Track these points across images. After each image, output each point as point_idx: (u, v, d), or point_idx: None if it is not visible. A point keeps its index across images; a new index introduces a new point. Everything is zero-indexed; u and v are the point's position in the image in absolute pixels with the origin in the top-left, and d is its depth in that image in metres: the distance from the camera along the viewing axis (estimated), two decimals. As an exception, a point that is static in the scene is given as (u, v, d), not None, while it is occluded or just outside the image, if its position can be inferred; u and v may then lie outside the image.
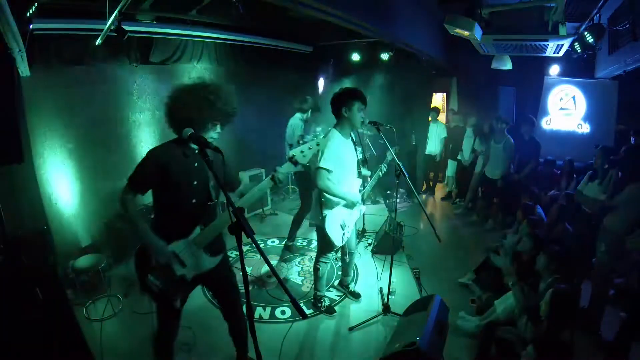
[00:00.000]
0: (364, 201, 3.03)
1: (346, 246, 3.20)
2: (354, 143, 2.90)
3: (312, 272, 3.36)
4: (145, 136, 4.32)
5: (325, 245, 2.98)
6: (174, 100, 1.84)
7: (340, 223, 2.89)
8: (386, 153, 3.00)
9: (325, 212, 2.81)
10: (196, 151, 1.87)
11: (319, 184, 2.68)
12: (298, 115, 4.45)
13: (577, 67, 5.66)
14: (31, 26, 2.76)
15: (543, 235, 3.23)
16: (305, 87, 6.44)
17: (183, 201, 1.89)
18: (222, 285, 2.20)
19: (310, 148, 1.92)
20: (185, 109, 1.81)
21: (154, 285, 1.88)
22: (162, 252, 1.84)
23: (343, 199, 2.78)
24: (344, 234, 2.93)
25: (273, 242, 4.63)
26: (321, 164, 2.63)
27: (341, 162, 2.72)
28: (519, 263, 3.11)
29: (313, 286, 3.34)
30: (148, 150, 1.88)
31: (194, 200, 1.91)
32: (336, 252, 3.20)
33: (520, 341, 2.41)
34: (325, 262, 3.11)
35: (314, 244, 4.47)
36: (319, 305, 3.27)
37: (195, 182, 1.90)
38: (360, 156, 2.98)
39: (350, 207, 2.89)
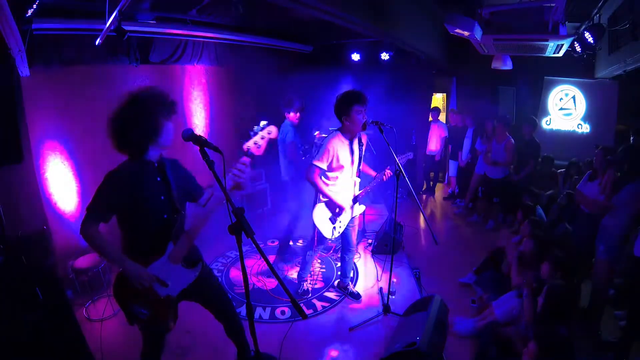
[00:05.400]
0: (359, 201, 3.09)
1: (344, 243, 3.26)
2: (360, 144, 2.95)
3: (314, 272, 3.49)
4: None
5: (317, 236, 3.14)
6: (122, 120, 1.70)
7: (329, 217, 2.99)
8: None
9: (317, 204, 2.98)
10: (155, 164, 1.82)
11: (307, 177, 2.86)
12: (287, 121, 4.13)
13: (577, 67, 5.66)
14: (29, 21, 2.75)
15: (544, 236, 3.23)
16: (305, 87, 6.44)
17: (154, 219, 1.80)
18: (208, 293, 2.11)
19: (262, 137, 1.86)
20: (138, 121, 1.68)
21: (141, 313, 1.79)
22: (142, 275, 1.74)
23: (327, 198, 2.92)
24: (334, 227, 3.02)
25: (273, 242, 4.63)
26: (313, 161, 2.82)
27: (337, 163, 2.84)
28: (521, 264, 3.11)
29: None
30: (106, 174, 1.72)
31: (165, 216, 1.83)
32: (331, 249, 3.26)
33: (522, 340, 2.40)
34: (312, 252, 3.29)
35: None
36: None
37: (162, 197, 1.82)
38: (366, 153, 3.04)
39: (334, 207, 2.97)
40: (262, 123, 1.87)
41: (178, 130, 1.76)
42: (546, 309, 2.33)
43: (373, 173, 3.09)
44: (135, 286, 1.76)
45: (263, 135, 1.86)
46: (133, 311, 1.80)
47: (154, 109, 1.73)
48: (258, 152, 1.86)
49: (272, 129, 1.87)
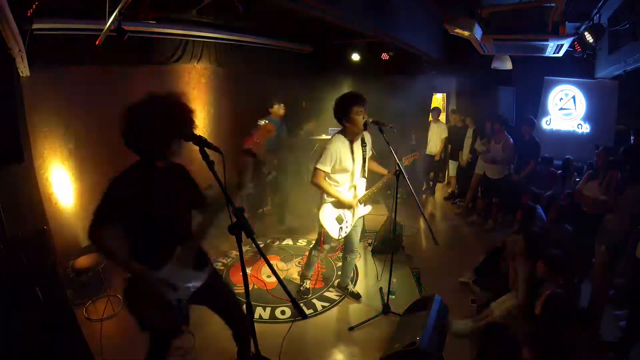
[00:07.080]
0: (364, 202, 3.08)
1: (347, 244, 3.25)
2: (363, 144, 2.94)
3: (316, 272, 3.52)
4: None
5: (323, 236, 3.12)
6: (140, 119, 1.67)
7: (336, 216, 2.99)
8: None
9: (323, 204, 2.98)
10: (162, 170, 1.81)
11: (311, 180, 2.89)
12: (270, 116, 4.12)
13: (577, 67, 5.66)
14: (29, 21, 2.75)
15: (543, 236, 3.23)
16: (305, 87, 6.45)
17: (161, 224, 1.79)
18: (217, 298, 2.10)
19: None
20: (154, 127, 1.65)
21: (154, 318, 1.79)
22: (150, 280, 1.74)
23: (334, 197, 2.92)
24: (341, 227, 3.02)
25: (273, 242, 4.63)
26: (317, 165, 2.83)
27: (339, 165, 2.84)
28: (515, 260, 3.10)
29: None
30: (111, 177, 1.71)
31: (171, 220, 1.82)
32: (335, 250, 3.20)
33: (522, 339, 2.40)
34: (318, 252, 3.27)
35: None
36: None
37: (169, 202, 1.81)
38: (370, 153, 3.02)
39: (340, 207, 2.98)
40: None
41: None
42: (545, 317, 2.32)
43: (385, 171, 3.08)
44: (146, 290, 1.75)
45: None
46: (146, 319, 1.79)
47: (167, 128, 1.67)
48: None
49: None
